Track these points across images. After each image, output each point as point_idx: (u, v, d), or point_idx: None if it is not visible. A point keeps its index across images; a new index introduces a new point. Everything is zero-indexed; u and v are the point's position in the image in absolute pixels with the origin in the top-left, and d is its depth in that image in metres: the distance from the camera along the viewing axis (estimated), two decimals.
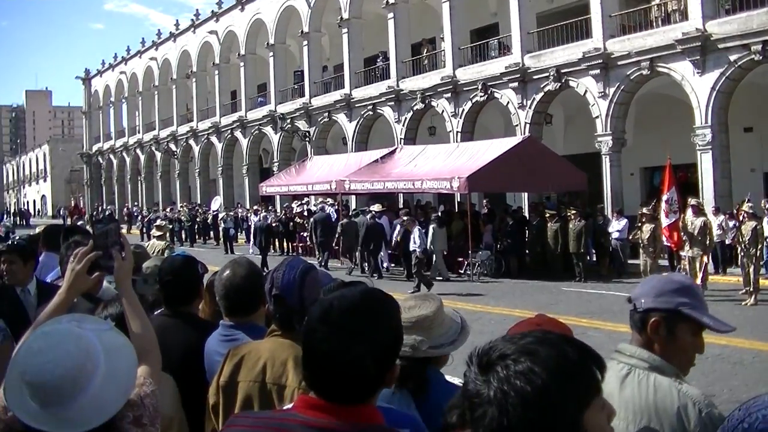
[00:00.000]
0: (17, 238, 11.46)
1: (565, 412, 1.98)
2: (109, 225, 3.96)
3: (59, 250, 9.07)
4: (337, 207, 38.66)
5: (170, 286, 5.47)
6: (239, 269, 4.76)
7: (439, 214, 32.98)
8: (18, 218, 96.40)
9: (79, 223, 57.95)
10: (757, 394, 2.52)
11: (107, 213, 68.61)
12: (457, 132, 39.77)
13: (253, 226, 42.02)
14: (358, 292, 2.71)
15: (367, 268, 31.69)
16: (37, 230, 14.79)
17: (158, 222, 26.04)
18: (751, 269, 22.33)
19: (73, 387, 2.73)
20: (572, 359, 2.04)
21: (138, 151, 79.63)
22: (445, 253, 30.57)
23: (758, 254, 22.96)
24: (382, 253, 32.53)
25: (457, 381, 3.94)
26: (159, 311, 5.60)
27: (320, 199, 42.99)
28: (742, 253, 22.82)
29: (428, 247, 29.01)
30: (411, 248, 28.45)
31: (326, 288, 4.38)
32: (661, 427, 3.29)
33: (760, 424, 2.44)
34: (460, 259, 31.14)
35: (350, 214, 35.44)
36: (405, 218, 30.67)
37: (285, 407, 3.13)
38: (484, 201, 36.32)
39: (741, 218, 23.34)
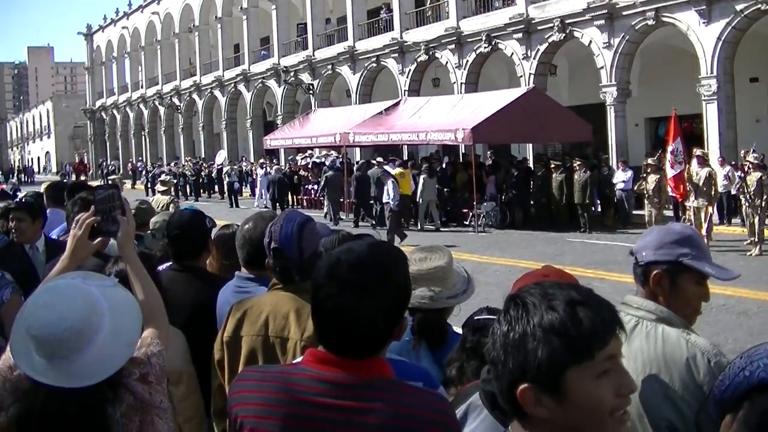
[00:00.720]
0: (25, 195, 11.45)
1: (538, 363, 2.03)
2: (110, 189, 3.92)
3: (64, 206, 9.10)
4: (341, 159, 38.61)
5: (179, 240, 5.49)
6: (261, 222, 4.66)
7: (430, 164, 33.04)
8: (23, 175, 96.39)
9: (82, 178, 58.14)
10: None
11: (111, 168, 68.73)
12: (461, 83, 39.51)
13: (261, 180, 42.19)
14: (365, 245, 2.69)
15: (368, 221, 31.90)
16: (43, 187, 14.76)
17: (163, 177, 25.94)
18: (756, 220, 22.22)
19: (78, 340, 2.76)
20: (562, 318, 2.05)
21: (141, 106, 79.39)
22: (437, 203, 31.10)
23: (763, 205, 22.82)
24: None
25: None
26: (167, 265, 5.57)
27: (324, 152, 42.98)
28: (747, 204, 22.71)
29: (418, 198, 29.99)
30: (384, 200, 28.72)
31: (331, 240, 4.43)
32: (671, 377, 3.27)
33: (761, 372, 2.46)
34: (465, 211, 31.19)
35: (359, 166, 35.30)
36: (380, 171, 31.24)
37: (294, 361, 3.16)
38: (489, 152, 36.24)
39: (746, 169, 23.22)
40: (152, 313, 3.40)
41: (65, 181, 33.21)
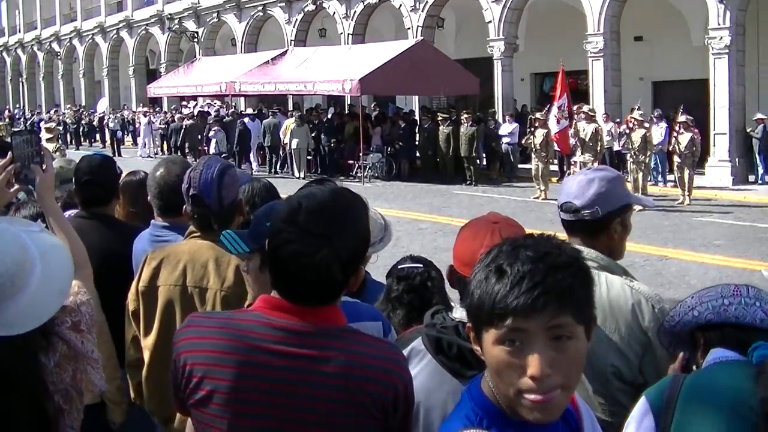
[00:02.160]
0: None
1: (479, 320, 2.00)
2: (28, 135, 3.70)
3: None
4: (225, 109, 38.13)
5: (88, 186, 5.23)
6: (173, 167, 4.59)
7: (301, 113, 33.79)
8: None
9: None
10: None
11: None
12: (349, 35, 39.06)
13: (145, 128, 41.83)
14: (327, 191, 2.60)
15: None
16: None
17: (48, 124, 25.02)
18: (640, 176, 22.67)
19: (12, 286, 2.58)
20: (486, 277, 1.99)
21: (19, 51, 77.06)
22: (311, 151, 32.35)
23: (647, 161, 23.22)
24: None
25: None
26: (73, 212, 5.35)
27: (208, 101, 42.36)
28: (632, 160, 23.04)
29: (288, 145, 31.61)
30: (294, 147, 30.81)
31: (252, 187, 4.43)
32: (617, 324, 3.33)
33: (709, 314, 2.80)
34: (351, 162, 31.04)
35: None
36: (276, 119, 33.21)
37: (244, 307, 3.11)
38: (373, 104, 35.98)
39: (631, 126, 23.49)
40: (77, 262, 3.18)
41: None
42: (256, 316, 2.54)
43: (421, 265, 3.95)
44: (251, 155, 34.96)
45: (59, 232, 3.49)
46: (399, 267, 3.98)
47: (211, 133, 33.04)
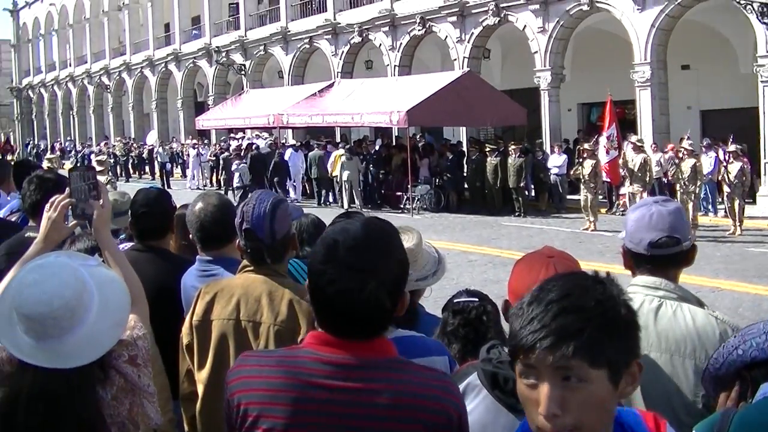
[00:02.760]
0: None
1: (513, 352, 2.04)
2: (84, 170, 3.78)
3: (6, 185, 8.65)
4: (272, 141, 38.32)
5: (144, 219, 5.34)
6: (211, 200, 4.74)
7: (350, 145, 34.13)
8: None
9: (9, 158, 56.97)
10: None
11: (42, 148, 67.49)
12: (395, 66, 39.31)
13: (193, 160, 42.18)
14: (359, 224, 2.61)
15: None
16: None
17: (99, 157, 25.38)
18: (690, 206, 22.39)
19: (71, 318, 2.67)
20: (521, 312, 2.05)
21: (69, 85, 77.84)
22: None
23: (697, 191, 23.05)
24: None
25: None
26: (130, 246, 5.48)
27: (255, 133, 42.62)
28: (681, 190, 22.85)
29: (339, 177, 31.95)
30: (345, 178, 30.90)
31: (301, 222, 4.54)
32: (706, 354, 3.26)
33: (753, 351, 2.75)
34: (399, 194, 31.08)
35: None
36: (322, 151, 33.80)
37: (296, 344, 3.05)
38: (418, 135, 35.94)
39: (680, 155, 23.32)
40: (134, 296, 3.22)
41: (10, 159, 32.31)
42: (308, 353, 2.57)
43: (477, 299, 3.98)
44: (292, 186, 35.12)
45: (115, 266, 3.53)
46: (455, 301, 4.00)
47: (233, 166, 33.29)
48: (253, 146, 36.70)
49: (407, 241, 3.93)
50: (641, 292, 3.46)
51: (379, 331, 2.58)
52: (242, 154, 34.72)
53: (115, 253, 3.66)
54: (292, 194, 34.38)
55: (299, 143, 37.73)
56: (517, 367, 2.02)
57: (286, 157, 34.71)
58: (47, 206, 3.70)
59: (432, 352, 3.31)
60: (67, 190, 3.69)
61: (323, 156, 33.64)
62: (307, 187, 36.26)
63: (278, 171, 33.74)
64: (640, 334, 2.08)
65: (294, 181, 35.25)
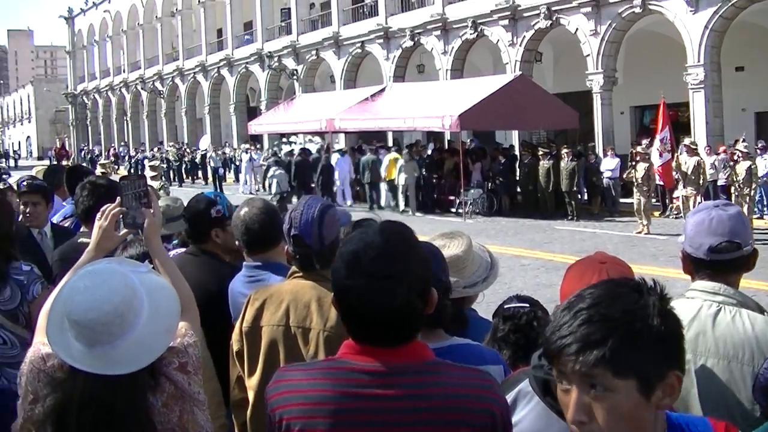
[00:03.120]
0: (26, 178, 11.14)
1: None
2: (135, 179, 3.84)
3: (60, 190, 8.88)
4: (323, 145, 38.58)
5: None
6: (255, 203, 4.84)
7: (409, 148, 34.13)
8: (3, 160, 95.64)
9: (63, 163, 57.73)
10: None
11: (96, 154, 68.37)
12: (447, 70, 39.41)
13: (246, 165, 42.50)
14: (375, 232, 2.64)
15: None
16: (34, 171, 14.46)
17: (152, 162, 25.75)
18: (745, 209, 22.21)
19: (122, 324, 2.72)
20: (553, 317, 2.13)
21: (123, 90, 78.90)
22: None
23: (752, 194, 22.91)
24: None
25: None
26: (183, 250, 5.63)
27: (308, 137, 42.87)
28: (736, 193, 22.73)
29: (396, 181, 31.87)
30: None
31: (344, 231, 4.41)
32: (765, 360, 3.15)
33: None
34: (452, 198, 31.16)
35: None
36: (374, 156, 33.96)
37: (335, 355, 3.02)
38: (468, 140, 35.96)
39: (735, 158, 23.19)
40: (184, 304, 3.28)
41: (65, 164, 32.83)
42: (345, 363, 2.60)
43: (528, 305, 3.93)
44: (341, 191, 35.30)
45: (165, 274, 3.53)
46: (505, 306, 3.95)
47: (270, 172, 33.22)
48: (293, 152, 37.16)
49: (455, 248, 4.05)
50: (700, 297, 3.42)
51: (414, 334, 2.60)
52: (278, 160, 34.97)
53: (166, 261, 3.70)
54: (341, 199, 34.53)
55: (347, 148, 37.79)
56: (554, 372, 2.07)
57: (333, 163, 35.00)
58: (98, 215, 3.74)
59: (487, 360, 3.28)
60: (118, 199, 3.75)
61: (375, 160, 33.83)
62: (360, 192, 36.45)
63: (324, 176, 34.15)
64: (683, 344, 2.07)
65: (342, 186, 35.41)
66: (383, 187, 33.72)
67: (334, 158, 35.42)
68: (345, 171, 35.16)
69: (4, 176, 17.66)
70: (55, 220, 7.96)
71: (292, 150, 38.71)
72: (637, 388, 1.97)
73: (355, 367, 2.56)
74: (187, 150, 56.34)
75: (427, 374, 2.56)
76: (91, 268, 2.92)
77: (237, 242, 4.92)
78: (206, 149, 53.53)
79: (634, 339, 1.96)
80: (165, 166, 52.18)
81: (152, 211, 3.75)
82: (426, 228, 25.02)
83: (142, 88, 74.10)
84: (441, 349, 3.07)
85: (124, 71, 78.84)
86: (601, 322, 1.97)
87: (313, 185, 34.31)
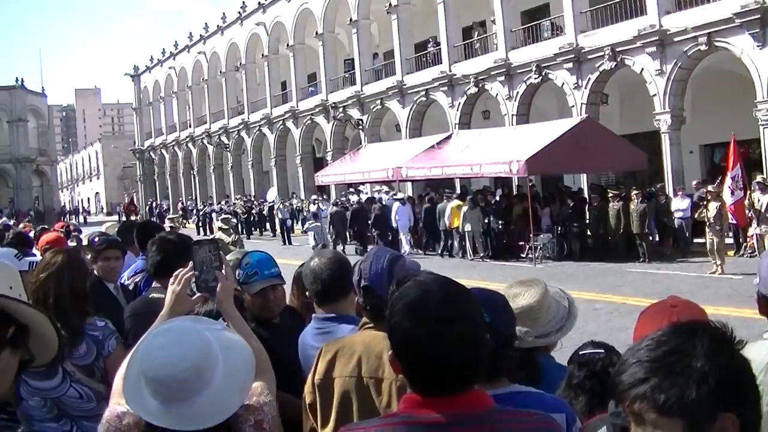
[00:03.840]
0: (97, 234, 11.56)
1: None
2: (207, 244, 3.99)
3: (131, 247, 9.21)
4: (393, 194, 38.79)
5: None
6: (325, 253, 4.93)
7: (472, 196, 33.80)
8: (74, 216, 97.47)
9: (132, 218, 58.65)
10: None
11: (165, 208, 69.25)
12: (512, 115, 39.52)
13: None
14: (431, 280, 2.71)
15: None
16: (104, 227, 14.92)
17: (224, 216, 26.25)
18: None
19: (197, 381, 2.77)
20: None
21: (190, 145, 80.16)
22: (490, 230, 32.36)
23: None
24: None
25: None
26: None
27: (376, 187, 43.16)
28: None
29: (461, 228, 31.77)
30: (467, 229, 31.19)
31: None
32: None
33: None
34: (521, 243, 31.20)
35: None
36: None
37: (392, 410, 3.19)
38: (530, 185, 35.58)
39: None
40: (260, 366, 3.33)
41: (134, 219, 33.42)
42: (406, 417, 2.61)
43: (603, 351, 3.94)
44: (401, 240, 35.18)
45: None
46: (580, 353, 3.97)
47: (306, 225, 33.00)
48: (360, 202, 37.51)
49: (529, 297, 4.09)
50: None
51: (474, 380, 2.62)
52: (315, 212, 35.21)
53: (240, 324, 3.77)
54: (404, 247, 34.39)
55: (405, 196, 37.68)
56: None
57: (394, 212, 35.18)
58: (171, 279, 3.90)
59: (547, 407, 3.16)
60: (191, 263, 3.89)
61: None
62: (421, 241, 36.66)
63: (378, 224, 34.73)
64: (746, 386, 2.06)
65: (401, 235, 35.34)
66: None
67: (395, 207, 35.50)
68: (405, 219, 35.18)
69: (74, 233, 18.06)
70: (125, 275, 8.34)
71: (360, 200, 39.06)
72: (683, 429, 1.99)
73: (415, 420, 2.58)
74: (255, 202, 56.97)
75: (487, 421, 2.59)
76: (166, 326, 3.02)
77: (307, 293, 5.03)
78: (273, 201, 54.07)
79: (674, 378, 2.00)
80: (234, 220, 52.80)
81: (224, 273, 3.90)
82: (496, 274, 25.24)
83: (208, 143, 75.21)
84: (500, 396, 3.04)
85: (190, 126, 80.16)
86: (648, 362, 2.05)
87: (372, 233, 35.04)
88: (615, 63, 34.38)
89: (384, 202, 37.81)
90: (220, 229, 21.46)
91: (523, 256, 30.64)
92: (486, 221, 32.45)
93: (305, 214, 47.48)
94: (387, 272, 4.00)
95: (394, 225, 35.29)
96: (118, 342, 5.30)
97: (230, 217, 27.33)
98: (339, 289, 4.71)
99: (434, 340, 2.53)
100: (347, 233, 38.20)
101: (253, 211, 55.34)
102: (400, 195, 36.75)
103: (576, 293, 20.60)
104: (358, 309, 4.33)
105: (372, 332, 4.04)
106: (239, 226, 52.86)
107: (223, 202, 61.18)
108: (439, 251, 34.08)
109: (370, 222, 36.12)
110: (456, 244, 33.54)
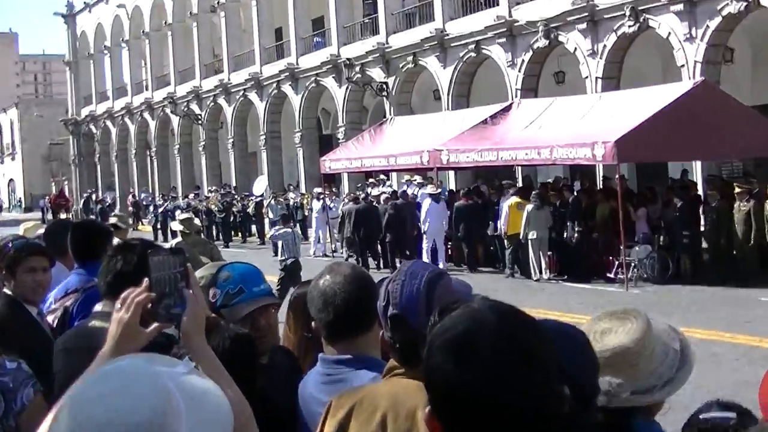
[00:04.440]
0: (11, 238, 11.55)
1: None
2: (170, 254, 3.74)
3: (62, 257, 9.03)
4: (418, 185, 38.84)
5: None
6: (341, 269, 4.69)
7: (539, 192, 33.56)
8: None
9: (62, 216, 58.43)
10: None
11: (108, 204, 69.24)
12: (597, 78, 39.37)
13: (318, 216, 42.67)
14: (485, 309, 2.63)
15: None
16: (22, 229, 14.89)
17: (184, 215, 26.13)
18: None
19: None
20: None
21: (146, 115, 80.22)
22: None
23: None
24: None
25: None
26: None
27: (406, 177, 43.09)
28: None
29: (522, 235, 31.56)
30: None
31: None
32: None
33: None
34: (609, 258, 30.91)
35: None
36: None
37: None
38: (620, 174, 35.40)
39: None
40: (240, 422, 3.27)
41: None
42: None
43: (733, 414, 3.92)
44: (430, 250, 35.17)
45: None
46: (701, 417, 3.97)
47: (272, 231, 32.58)
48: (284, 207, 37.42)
49: (624, 335, 3.90)
50: None
51: None
52: (287, 215, 35.16)
53: (213, 366, 3.62)
54: (426, 259, 33.87)
55: (437, 190, 37.11)
56: None
57: (423, 210, 35.20)
58: (118, 302, 3.64)
59: None
60: (146, 281, 3.61)
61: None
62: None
63: (392, 230, 34.92)
64: None
65: (430, 243, 35.28)
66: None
67: (425, 205, 35.50)
68: (437, 222, 35.09)
69: None
70: (52, 296, 8.05)
71: (385, 194, 39.05)
72: None
73: None
74: (236, 197, 57.00)
75: None
76: (109, 368, 2.78)
77: (313, 324, 4.87)
78: (262, 195, 54.01)
79: None
80: (206, 218, 52.81)
81: (193, 294, 3.65)
82: (572, 301, 25.25)
83: (172, 112, 74.90)
84: None
85: (146, 89, 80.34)
86: None
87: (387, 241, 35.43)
88: (745, 4, 33.71)
89: (415, 198, 37.78)
90: (180, 233, 21.38)
91: (611, 275, 30.28)
92: (558, 226, 32.31)
93: (307, 212, 47.40)
94: (425, 296, 3.87)
95: (424, 230, 35.32)
96: (36, 391, 5.17)
97: (192, 217, 26.83)
98: (358, 320, 4.51)
99: (488, 390, 2.45)
100: (353, 239, 38.41)
101: (234, 210, 55.29)
102: (430, 188, 36.63)
103: (686, 330, 20.42)
104: (383, 347, 4.25)
105: (402, 380, 3.92)
106: (215, 229, 53.06)
107: (191, 196, 61.24)
108: (495, 267, 34.01)
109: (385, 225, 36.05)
110: (511, 256, 33.29)
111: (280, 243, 28.00)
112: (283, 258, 27.57)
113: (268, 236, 33.68)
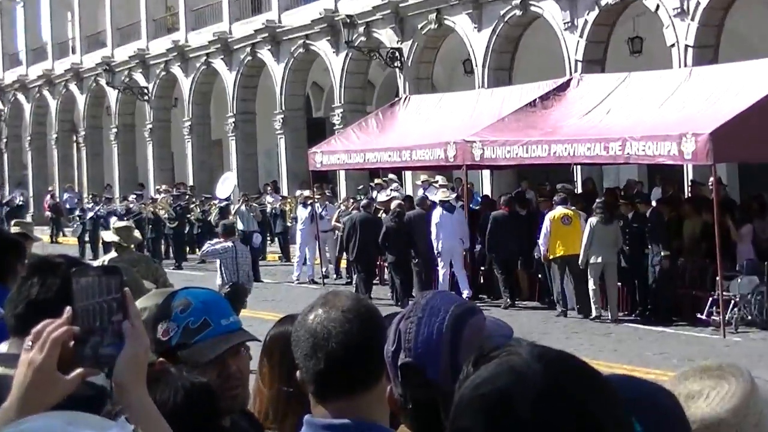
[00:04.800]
0: None
1: None
2: (102, 276, 3.60)
3: None
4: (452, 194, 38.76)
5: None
6: (338, 301, 4.49)
7: (605, 202, 33.35)
8: None
9: None
10: None
11: (19, 202, 69.30)
12: (686, 47, 39.32)
13: (303, 228, 42.63)
14: (531, 358, 2.59)
15: None
16: None
17: (121, 223, 26.19)
18: None
19: None
20: None
21: (73, 87, 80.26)
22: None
23: None
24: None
25: None
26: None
27: (423, 177, 43.09)
28: None
29: (581, 258, 31.24)
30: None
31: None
32: None
33: None
34: (698, 294, 30.76)
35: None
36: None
37: None
38: (716, 178, 35.01)
39: None
40: None
41: None
42: None
43: None
44: (445, 276, 35.33)
45: None
46: None
47: (205, 247, 31.99)
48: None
49: (718, 400, 3.72)
50: None
51: None
52: (230, 225, 35.12)
53: (158, 430, 3.57)
54: (441, 287, 33.77)
55: (449, 196, 36.96)
56: None
57: (433, 223, 35.25)
58: (29, 338, 3.52)
59: None
60: (68, 309, 3.50)
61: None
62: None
63: (394, 247, 35.04)
64: None
65: (446, 267, 35.45)
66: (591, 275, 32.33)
67: (436, 216, 35.42)
68: (452, 239, 35.21)
69: None
70: None
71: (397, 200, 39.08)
72: None
73: None
74: (194, 200, 57.14)
75: None
76: (14, 430, 2.89)
77: (297, 374, 4.57)
78: (229, 199, 54.35)
79: None
80: (152, 229, 52.90)
81: (133, 328, 3.56)
82: (648, 351, 25.19)
83: (108, 84, 74.48)
84: None
85: (73, 51, 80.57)
86: None
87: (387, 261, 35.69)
88: None
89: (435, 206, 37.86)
90: (116, 247, 21.37)
91: (702, 316, 30.12)
92: (631, 248, 32.18)
93: (290, 223, 47.47)
94: (449, 340, 3.82)
95: (437, 247, 35.38)
96: None
97: (131, 226, 26.57)
98: (359, 371, 4.31)
99: None
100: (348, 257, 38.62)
101: (192, 217, 55.49)
102: (441, 194, 36.77)
103: None
104: (392, 408, 4.12)
105: None
106: (165, 242, 53.19)
107: (132, 198, 60.87)
108: (543, 302, 34.08)
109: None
110: (556, 288, 33.29)
111: (218, 263, 27.49)
112: (221, 282, 27.27)
113: (202, 253, 33.08)
